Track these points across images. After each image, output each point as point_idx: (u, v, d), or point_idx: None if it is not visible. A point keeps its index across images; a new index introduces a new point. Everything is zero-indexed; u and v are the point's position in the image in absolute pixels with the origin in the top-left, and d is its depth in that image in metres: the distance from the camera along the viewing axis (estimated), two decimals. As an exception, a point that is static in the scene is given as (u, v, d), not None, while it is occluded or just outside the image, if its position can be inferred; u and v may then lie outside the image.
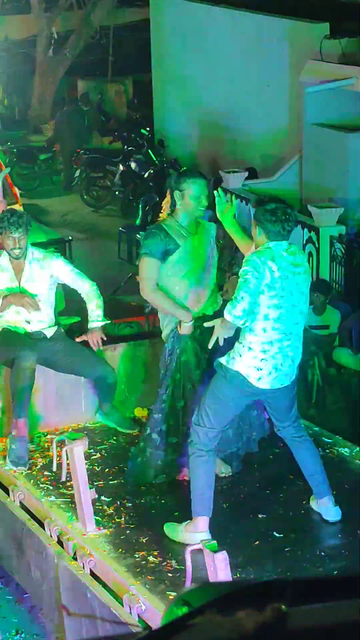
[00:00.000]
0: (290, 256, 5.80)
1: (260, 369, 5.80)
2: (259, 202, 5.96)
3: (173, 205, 6.52)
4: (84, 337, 7.16)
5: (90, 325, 7.19)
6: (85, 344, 7.17)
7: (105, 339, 7.20)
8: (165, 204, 6.63)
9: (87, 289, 7.21)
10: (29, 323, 7.15)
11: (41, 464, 7.03)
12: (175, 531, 6.02)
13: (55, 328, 7.25)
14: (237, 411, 6.11)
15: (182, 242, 6.48)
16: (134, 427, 7.40)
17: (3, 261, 7.17)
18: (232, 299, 5.67)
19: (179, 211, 6.50)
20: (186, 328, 6.45)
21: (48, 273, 7.15)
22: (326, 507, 6.18)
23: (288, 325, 5.80)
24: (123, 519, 6.32)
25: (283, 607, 1.31)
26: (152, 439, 6.59)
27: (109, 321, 7.36)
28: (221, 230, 6.69)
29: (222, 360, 5.90)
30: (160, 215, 6.72)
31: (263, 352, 5.78)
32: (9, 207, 12.88)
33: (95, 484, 6.53)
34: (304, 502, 6.40)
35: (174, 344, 6.51)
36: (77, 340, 7.18)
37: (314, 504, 6.27)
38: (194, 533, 5.85)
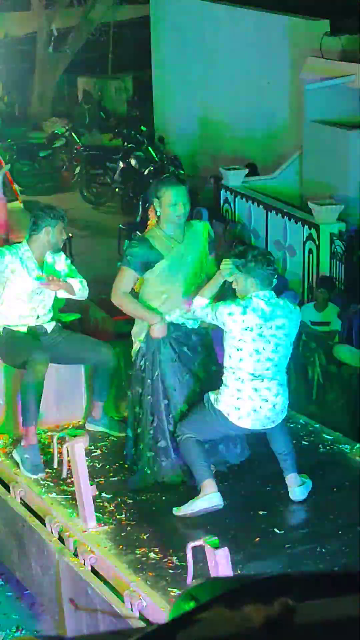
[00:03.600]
0: (268, 310, 6.04)
1: (238, 409, 6.11)
2: (240, 254, 6.16)
3: (156, 214, 6.53)
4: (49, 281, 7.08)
5: (70, 282, 7.17)
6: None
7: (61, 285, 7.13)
8: (151, 212, 6.64)
9: (78, 286, 7.26)
10: (37, 318, 7.18)
11: (42, 460, 7.02)
12: (187, 506, 6.16)
13: (54, 323, 7.30)
14: (221, 435, 6.39)
15: (167, 252, 6.50)
16: (123, 431, 7.38)
17: (30, 259, 7.12)
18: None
19: (162, 220, 6.52)
20: (156, 330, 6.49)
21: (59, 267, 7.23)
22: (292, 488, 6.36)
23: (255, 369, 6.05)
24: (124, 515, 6.32)
25: (290, 601, 1.31)
26: (162, 447, 6.61)
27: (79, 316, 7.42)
28: (221, 226, 6.73)
29: (211, 397, 6.22)
30: (148, 224, 6.73)
31: (238, 391, 6.10)
32: (9, 205, 12.90)
33: (95, 480, 6.53)
34: (304, 499, 6.40)
35: (148, 348, 6.57)
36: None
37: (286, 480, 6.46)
38: (206, 497, 6.10)
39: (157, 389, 6.58)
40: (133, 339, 6.72)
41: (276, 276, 6.17)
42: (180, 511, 6.18)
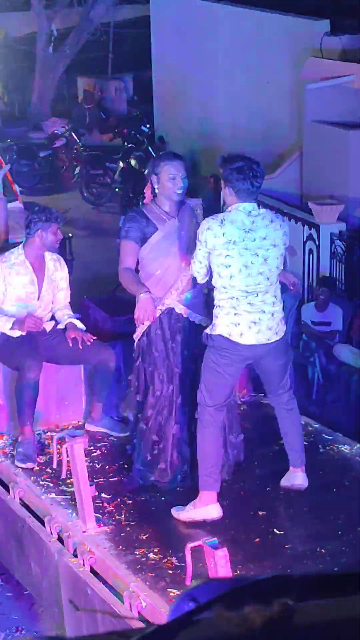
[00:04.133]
0: (247, 221, 5.86)
1: (238, 324, 5.89)
2: (225, 160, 6.00)
3: (154, 191, 6.52)
4: (74, 335, 7.17)
5: (72, 321, 7.22)
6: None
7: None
8: (147, 190, 6.65)
9: (67, 300, 7.30)
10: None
11: (41, 461, 7.03)
12: (184, 511, 6.10)
13: (53, 322, 7.30)
14: (231, 381, 6.11)
15: (162, 225, 6.48)
16: (125, 430, 7.37)
17: (25, 264, 7.13)
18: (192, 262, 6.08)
19: (159, 195, 6.49)
20: (142, 302, 6.27)
21: (60, 275, 7.25)
22: (296, 474, 6.35)
23: (248, 284, 5.86)
24: (123, 516, 6.31)
25: (290, 602, 1.30)
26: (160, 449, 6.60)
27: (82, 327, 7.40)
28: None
29: (207, 330, 6.03)
30: (144, 202, 6.75)
31: (233, 308, 5.89)
32: (9, 205, 12.90)
33: (95, 481, 6.53)
34: (303, 499, 6.40)
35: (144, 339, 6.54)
36: (71, 337, 7.17)
37: (286, 475, 6.39)
38: (204, 508, 6.00)
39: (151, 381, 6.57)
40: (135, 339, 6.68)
41: (257, 186, 5.92)
42: (178, 515, 6.14)
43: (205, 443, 6.10)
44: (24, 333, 7.05)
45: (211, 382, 6.02)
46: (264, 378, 6.32)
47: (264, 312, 5.93)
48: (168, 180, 6.40)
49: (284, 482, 6.45)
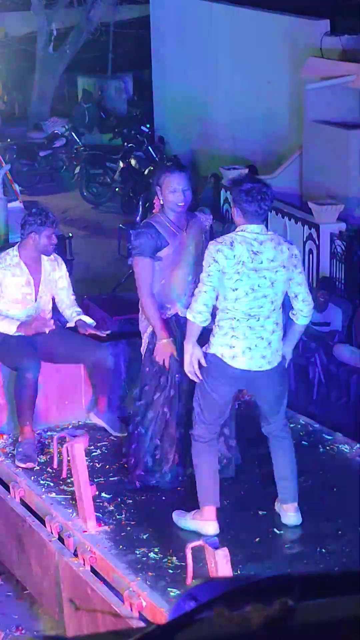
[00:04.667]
0: (255, 243, 5.82)
1: (233, 347, 5.83)
2: (235, 182, 5.99)
3: (161, 201, 6.53)
4: (89, 332, 7.20)
5: (81, 318, 7.24)
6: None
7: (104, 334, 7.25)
8: (156, 201, 6.64)
9: (72, 297, 7.30)
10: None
11: (42, 460, 7.03)
12: (184, 519, 6.07)
13: (52, 321, 7.30)
14: (223, 401, 6.04)
15: (172, 238, 6.48)
16: (124, 431, 7.38)
17: (19, 265, 7.13)
18: (196, 295, 5.85)
19: (164, 207, 6.49)
20: (160, 347, 6.40)
21: (59, 275, 7.24)
22: (287, 513, 6.16)
23: (251, 307, 5.81)
24: (124, 515, 6.32)
25: (290, 602, 1.31)
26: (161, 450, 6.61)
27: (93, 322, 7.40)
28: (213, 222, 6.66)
29: (203, 348, 5.96)
30: (154, 212, 6.74)
31: (232, 329, 5.82)
32: (9, 205, 12.91)
33: (95, 480, 6.53)
34: (304, 499, 6.40)
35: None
36: (87, 333, 7.21)
37: (277, 506, 6.25)
38: (202, 522, 5.93)
39: (156, 386, 6.57)
40: (141, 334, 6.69)
41: (265, 209, 5.85)
42: (178, 520, 6.11)
43: (198, 457, 6.06)
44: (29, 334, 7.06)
45: (202, 400, 6.01)
46: (258, 405, 6.26)
47: (262, 338, 5.86)
48: (169, 193, 6.38)
49: (277, 507, 6.29)
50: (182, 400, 6.52)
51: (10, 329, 7.07)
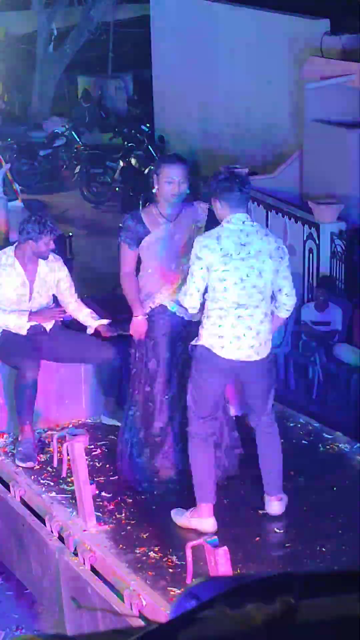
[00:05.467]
0: (242, 235, 5.84)
1: (222, 337, 5.85)
2: (211, 177, 6.08)
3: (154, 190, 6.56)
4: (111, 334, 7.24)
5: (101, 325, 7.27)
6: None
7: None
8: (154, 188, 6.66)
9: (75, 297, 7.30)
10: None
11: (42, 459, 7.03)
12: (182, 517, 6.08)
13: (53, 321, 7.30)
14: (214, 393, 6.06)
15: (155, 228, 6.49)
16: None
17: (14, 265, 7.14)
18: (183, 291, 5.95)
19: (158, 196, 6.50)
20: (134, 323, 6.51)
21: (57, 277, 7.24)
22: (271, 503, 6.23)
23: (240, 296, 5.83)
24: (124, 514, 6.32)
25: (292, 600, 1.31)
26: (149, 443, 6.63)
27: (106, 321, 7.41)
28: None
29: (193, 341, 6.02)
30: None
31: (219, 319, 5.85)
32: (9, 204, 12.91)
33: (95, 479, 6.53)
34: (304, 498, 6.41)
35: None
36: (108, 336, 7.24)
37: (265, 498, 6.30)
38: (199, 519, 5.94)
39: (141, 374, 6.62)
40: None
41: (246, 193, 5.91)
42: (175, 519, 6.12)
43: (195, 455, 6.08)
44: (38, 323, 7.09)
45: (195, 393, 6.04)
46: (245, 399, 6.28)
47: (250, 328, 5.88)
48: (165, 183, 6.39)
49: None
50: (171, 392, 6.56)
51: (22, 320, 7.07)
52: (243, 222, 5.88)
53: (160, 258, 6.48)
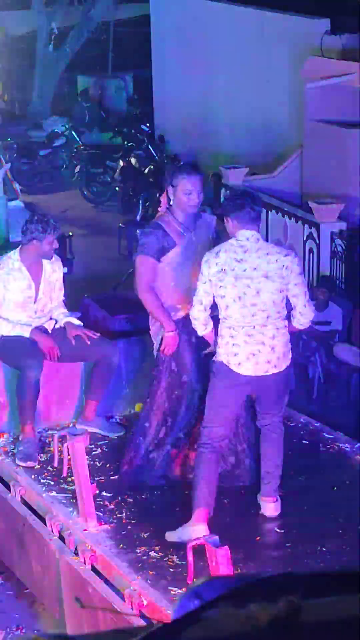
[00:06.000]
0: (240, 251, 5.88)
1: (236, 354, 5.89)
2: (225, 199, 6.12)
3: (169, 201, 6.52)
4: (76, 333, 7.20)
5: (69, 320, 7.25)
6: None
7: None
8: (163, 198, 6.64)
9: (61, 299, 7.32)
10: (39, 319, 7.22)
11: (42, 459, 7.03)
12: (173, 533, 5.97)
13: (53, 322, 7.31)
14: (232, 408, 6.08)
15: (180, 239, 6.49)
16: (120, 430, 7.37)
17: (20, 269, 7.14)
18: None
19: (174, 207, 6.49)
20: (168, 338, 6.47)
21: (58, 276, 7.25)
22: (266, 504, 6.22)
23: (244, 316, 5.86)
24: (124, 514, 6.32)
25: (296, 600, 1.31)
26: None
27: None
28: (220, 225, 6.65)
29: (214, 357, 6.05)
30: (159, 210, 6.73)
31: (231, 338, 5.90)
32: (9, 204, 12.92)
33: (96, 479, 6.54)
34: (304, 498, 6.41)
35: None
36: (73, 335, 7.20)
37: (258, 496, 6.30)
38: (190, 526, 5.88)
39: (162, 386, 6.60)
40: (153, 339, 6.69)
41: (257, 211, 5.97)
42: (169, 537, 5.99)
43: (199, 466, 6.05)
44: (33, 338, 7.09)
45: (212, 406, 6.04)
46: (258, 400, 6.26)
47: (264, 344, 5.90)
48: (184, 195, 6.40)
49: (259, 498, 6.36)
50: (186, 401, 6.54)
51: (24, 332, 7.11)
52: (247, 239, 5.89)
53: (184, 269, 6.47)
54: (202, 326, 6.08)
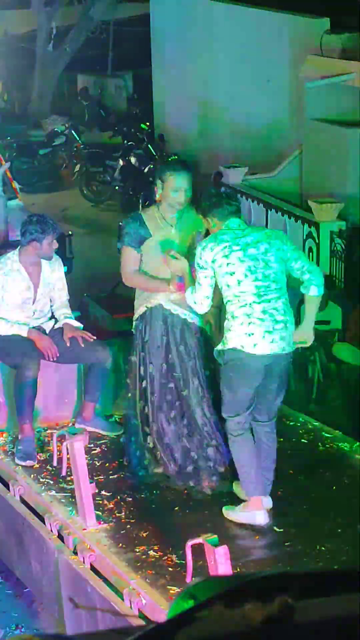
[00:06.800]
0: (239, 230, 5.96)
1: (252, 334, 5.87)
2: (201, 200, 6.22)
3: (157, 195, 6.55)
4: (71, 335, 7.19)
5: (68, 322, 7.24)
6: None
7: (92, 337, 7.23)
8: (156, 191, 6.66)
9: (64, 298, 7.29)
10: (37, 319, 7.21)
11: (41, 458, 7.03)
12: (234, 512, 6.11)
13: (52, 322, 7.30)
14: (248, 393, 6.05)
15: (156, 231, 6.50)
16: (119, 429, 7.36)
17: (19, 271, 7.14)
18: (193, 299, 6.10)
19: (162, 202, 6.52)
20: (175, 264, 6.35)
21: (57, 276, 7.24)
22: (258, 511, 6.14)
23: (259, 288, 5.87)
24: (123, 513, 6.32)
25: (290, 600, 1.31)
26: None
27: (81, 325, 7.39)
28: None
29: (219, 346, 6.04)
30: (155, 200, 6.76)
31: (247, 316, 5.88)
32: (9, 203, 12.90)
33: (95, 478, 6.53)
34: (303, 498, 6.41)
35: (144, 324, 6.56)
36: (69, 336, 7.18)
37: (236, 488, 6.30)
38: (250, 512, 6.01)
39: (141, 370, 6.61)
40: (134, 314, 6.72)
41: (235, 205, 6.06)
42: (227, 514, 6.11)
43: (237, 452, 6.11)
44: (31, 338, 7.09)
45: (229, 396, 6.06)
46: (256, 398, 6.24)
47: (277, 321, 5.91)
48: (171, 191, 6.42)
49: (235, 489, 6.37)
50: (174, 392, 6.54)
51: (21, 332, 7.11)
52: (238, 225, 6.01)
53: (160, 261, 6.47)
54: (201, 306, 6.11)
